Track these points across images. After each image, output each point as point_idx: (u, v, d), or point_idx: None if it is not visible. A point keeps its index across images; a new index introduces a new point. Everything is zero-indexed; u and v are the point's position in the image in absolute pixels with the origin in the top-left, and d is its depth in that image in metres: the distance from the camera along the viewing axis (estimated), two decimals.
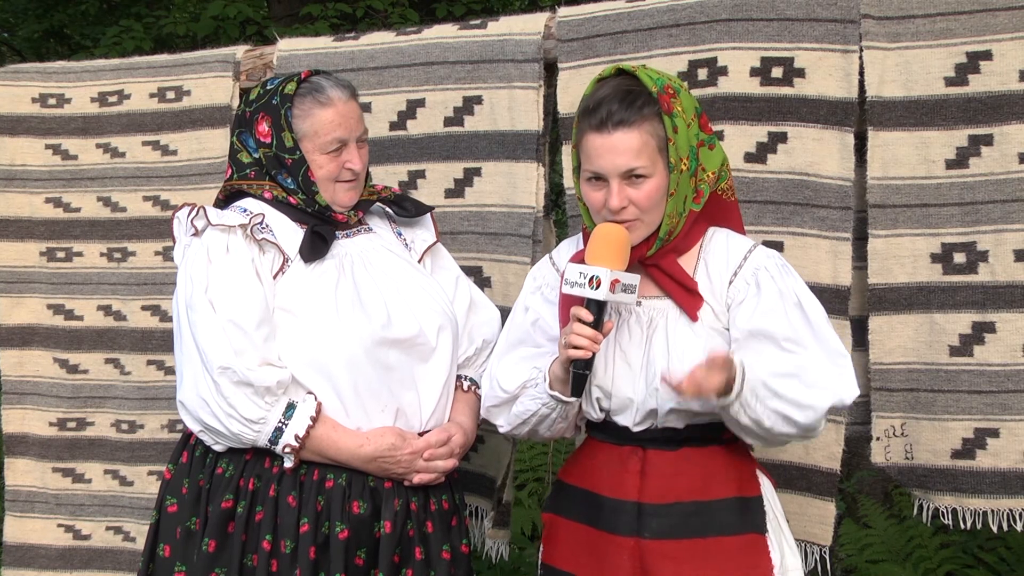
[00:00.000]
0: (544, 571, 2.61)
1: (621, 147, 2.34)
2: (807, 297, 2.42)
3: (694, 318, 2.41)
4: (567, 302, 2.41)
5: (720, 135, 3.04)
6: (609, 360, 2.45)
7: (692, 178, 2.41)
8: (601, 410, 2.48)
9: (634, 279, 2.35)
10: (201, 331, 2.51)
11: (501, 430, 2.61)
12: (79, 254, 3.84)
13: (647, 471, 2.45)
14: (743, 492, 2.43)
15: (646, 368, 2.41)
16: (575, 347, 2.32)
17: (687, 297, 2.42)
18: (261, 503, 2.56)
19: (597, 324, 2.32)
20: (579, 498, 2.54)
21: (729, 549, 2.39)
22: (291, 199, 2.67)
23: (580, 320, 2.32)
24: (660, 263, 2.44)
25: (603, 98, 2.38)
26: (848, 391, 2.38)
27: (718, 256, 2.46)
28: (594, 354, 2.34)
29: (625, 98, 2.36)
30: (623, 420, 2.46)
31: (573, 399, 2.42)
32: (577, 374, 2.35)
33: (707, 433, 2.44)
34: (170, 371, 3.70)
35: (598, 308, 2.32)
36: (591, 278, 2.30)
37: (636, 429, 2.45)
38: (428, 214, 2.91)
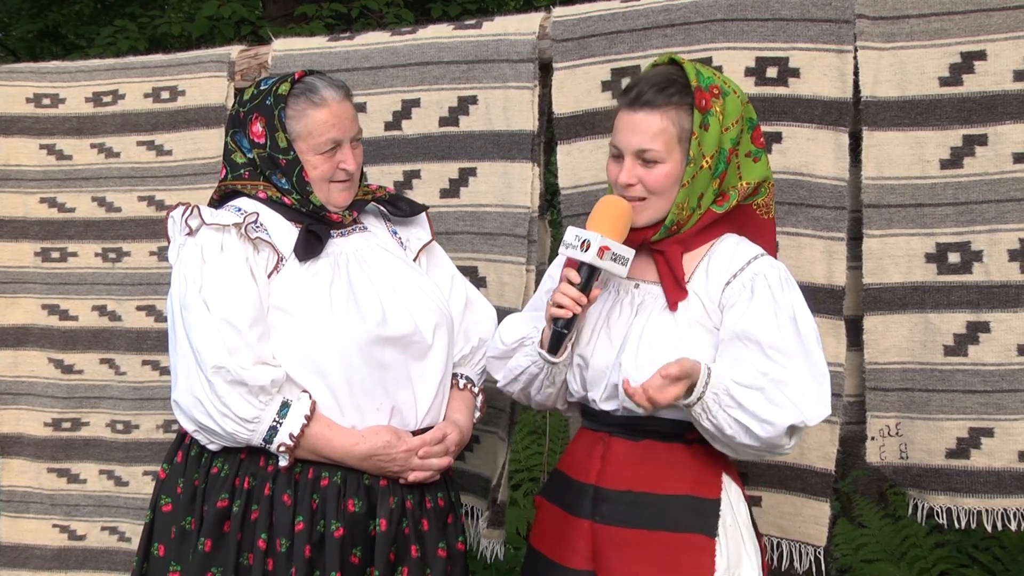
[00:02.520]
0: (527, 550, 2.68)
1: (640, 127, 2.43)
2: (803, 313, 2.44)
3: (672, 308, 2.46)
4: (568, 264, 2.50)
5: None
6: (595, 331, 2.52)
7: (716, 179, 2.45)
8: (580, 382, 2.54)
9: (627, 251, 2.41)
10: (195, 330, 2.52)
11: (498, 385, 2.68)
12: (74, 254, 3.83)
13: (608, 457, 2.51)
14: (698, 492, 2.44)
15: (622, 344, 2.47)
16: (558, 305, 2.41)
17: (673, 287, 2.47)
18: (256, 502, 2.56)
19: (585, 287, 2.41)
20: (558, 481, 2.63)
21: (672, 545, 2.41)
22: (285, 199, 2.67)
23: (568, 281, 2.41)
24: (665, 250, 2.49)
25: (642, 79, 2.49)
26: (814, 412, 2.38)
27: (722, 257, 2.50)
28: (575, 316, 2.42)
29: (659, 83, 2.45)
30: (594, 394, 2.52)
31: (557, 359, 2.49)
32: (556, 332, 2.44)
33: (672, 429, 2.46)
34: (165, 371, 3.69)
35: (588, 272, 2.41)
36: (583, 241, 2.39)
37: (603, 406, 2.51)
38: (423, 213, 2.91)
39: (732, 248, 2.51)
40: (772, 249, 2.57)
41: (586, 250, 2.38)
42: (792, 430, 2.37)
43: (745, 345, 2.39)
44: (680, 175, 2.44)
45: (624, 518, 2.46)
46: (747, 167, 2.50)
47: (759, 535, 2.57)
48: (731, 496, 2.48)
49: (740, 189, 2.49)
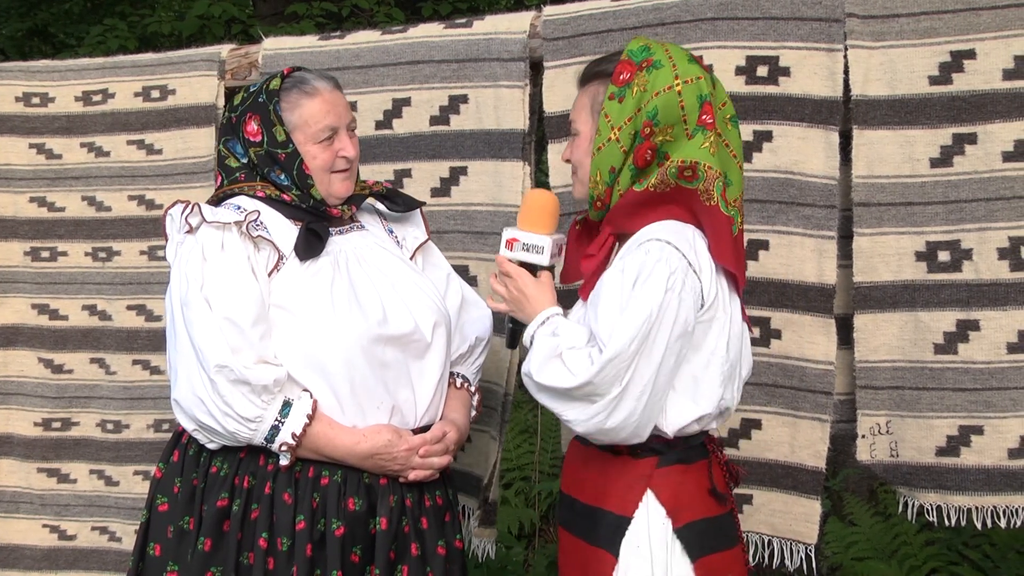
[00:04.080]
0: None
1: (574, 104, 2.53)
2: (646, 287, 2.26)
3: (583, 295, 2.44)
4: None
5: None
6: None
7: (631, 155, 2.37)
8: None
9: (537, 240, 2.45)
10: (197, 329, 2.50)
11: None
12: (64, 254, 3.83)
13: (566, 460, 2.56)
14: (612, 507, 2.37)
15: None
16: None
17: (590, 277, 2.46)
18: (256, 501, 2.55)
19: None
20: None
21: (585, 555, 2.40)
22: (285, 196, 2.66)
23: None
24: (601, 233, 2.46)
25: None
26: (536, 369, 2.31)
27: (632, 240, 2.39)
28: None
29: (597, 60, 2.54)
30: None
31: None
32: (510, 327, 2.51)
33: None
34: (156, 371, 3.69)
35: (531, 268, 2.47)
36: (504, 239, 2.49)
37: None
38: (418, 211, 2.93)
39: (643, 231, 2.36)
40: (720, 236, 2.37)
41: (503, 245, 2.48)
42: (541, 388, 2.33)
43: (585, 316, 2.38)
44: (591, 146, 2.44)
45: (564, 521, 2.50)
46: (681, 146, 2.36)
47: (705, 567, 2.36)
48: (651, 517, 2.35)
49: (661, 167, 2.36)
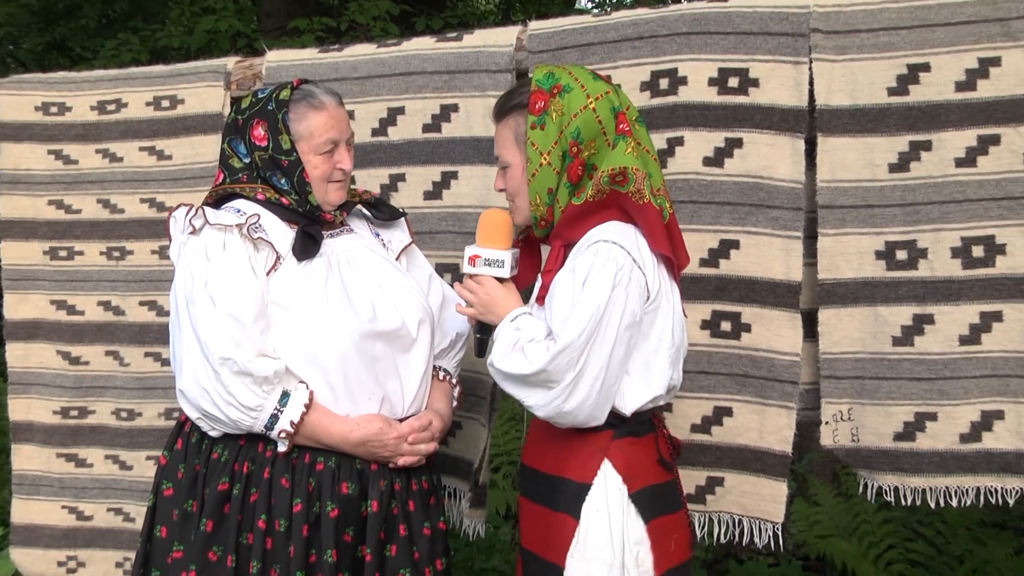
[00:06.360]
0: None
1: (495, 138, 2.55)
2: (595, 283, 2.32)
3: (539, 301, 2.48)
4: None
5: (680, 140, 3.06)
6: None
7: (564, 174, 2.42)
8: None
9: (497, 255, 2.49)
10: (202, 324, 2.49)
11: None
12: (80, 253, 3.81)
13: (528, 434, 2.59)
14: (573, 475, 2.41)
15: None
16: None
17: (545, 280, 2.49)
18: (256, 485, 2.55)
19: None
20: None
21: (548, 521, 2.43)
22: (283, 200, 2.66)
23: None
24: (551, 247, 2.51)
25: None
26: (498, 357, 2.39)
27: (580, 243, 2.44)
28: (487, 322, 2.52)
29: (508, 94, 2.54)
30: None
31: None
32: (477, 338, 2.56)
33: None
34: (166, 362, 3.68)
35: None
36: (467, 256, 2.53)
37: None
38: (403, 218, 2.91)
39: (591, 233, 2.41)
40: (654, 229, 2.41)
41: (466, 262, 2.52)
42: (504, 377, 2.39)
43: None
44: (525, 174, 2.47)
45: (525, 491, 2.54)
46: (604, 156, 2.41)
47: (656, 528, 2.41)
48: (608, 483, 2.40)
49: (595, 179, 2.41)
